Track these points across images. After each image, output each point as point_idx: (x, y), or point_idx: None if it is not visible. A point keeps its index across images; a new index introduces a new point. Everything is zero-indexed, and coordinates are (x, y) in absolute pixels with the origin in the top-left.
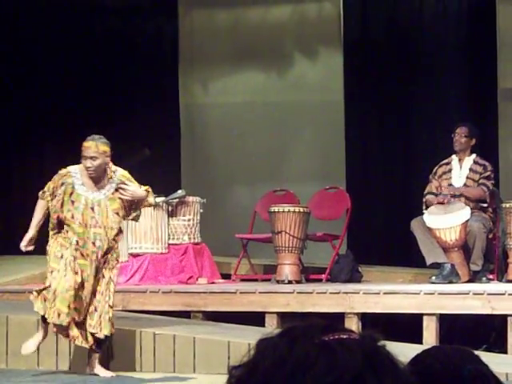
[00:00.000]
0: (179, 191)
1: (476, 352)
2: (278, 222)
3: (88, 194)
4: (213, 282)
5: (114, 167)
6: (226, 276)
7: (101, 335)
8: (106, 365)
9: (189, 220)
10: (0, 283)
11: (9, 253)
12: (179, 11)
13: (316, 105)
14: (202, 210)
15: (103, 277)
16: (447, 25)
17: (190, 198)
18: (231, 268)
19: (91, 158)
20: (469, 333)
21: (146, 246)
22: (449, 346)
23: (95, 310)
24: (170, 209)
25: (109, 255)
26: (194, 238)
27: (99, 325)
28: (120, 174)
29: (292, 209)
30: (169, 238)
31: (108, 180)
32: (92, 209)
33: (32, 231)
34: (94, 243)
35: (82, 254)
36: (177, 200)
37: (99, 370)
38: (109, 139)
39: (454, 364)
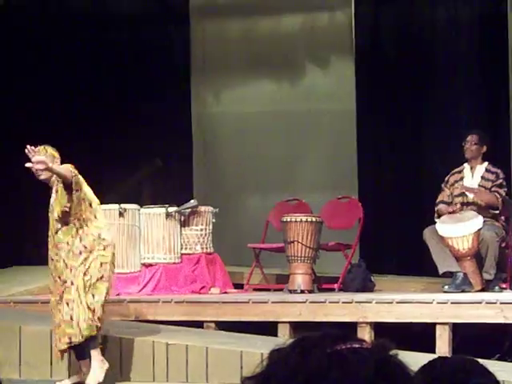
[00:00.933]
0: (191, 201)
1: (489, 361)
2: (291, 232)
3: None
4: (225, 292)
5: None
6: (239, 286)
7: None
8: (118, 374)
9: (201, 230)
10: (13, 293)
11: (21, 263)
12: (191, 21)
13: (328, 114)
14: (214, 220)
15: (72, 284)
16: (458, 33)
17: (203, 208)
18: (244, 278)
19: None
20: (482, 342)
21: (158, 256)
22: (455, 356)
23: (71, 318)
24: (182, 219)
25: (71, 260)
26: (207, 248)
27: (79, 332)
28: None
29: (304, 218)
30: (181, 248)
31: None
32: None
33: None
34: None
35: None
36: (189, 210)
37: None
38: (121, 149)
39: (460, 378)
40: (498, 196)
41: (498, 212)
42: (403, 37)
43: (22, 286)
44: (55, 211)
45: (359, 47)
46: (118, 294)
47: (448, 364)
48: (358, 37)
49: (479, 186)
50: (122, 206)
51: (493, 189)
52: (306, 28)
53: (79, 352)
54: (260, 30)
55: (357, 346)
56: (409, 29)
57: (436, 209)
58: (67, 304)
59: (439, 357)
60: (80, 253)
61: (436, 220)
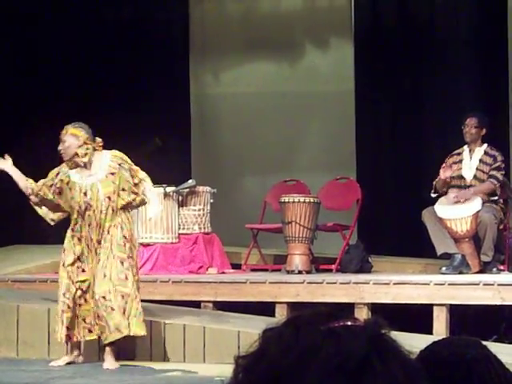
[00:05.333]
0: (189, 181)
1: (486, 342)
2: (289, 212)
3: (81, 180)
4: (223, 272)
5: (104, 152)
6: (237, 266)
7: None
8: (116, 353)
9: (199, 210)
10: (11, 272)
11: (20, 242)
12: (190, 0)
13: (327, 95)
14: (212, 200)
15: (103, 276)
16: (458, 14)
17: (201, 188)
18: (241, 258)
19: (62, 141)
20: (479, 323)
21: (156, 236)
22: (457, 336)
23: (124, 312)
24: (180, 199)
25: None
26: (205, 228)
27: (128, 326)
28: (112, 155)
29: (302, 199)
30: (179, 228)
31: (97, 163)
32: (85, 193)
33: (12, 168)
34: (89, 225)
35: (79, 239)
36: (187, 190)
37: (106, 362)
38: (119, 129)
39: (459, 350)
40: (495, 181)
41: (497, 198)
42: (403, 17)
43: (20, 265)
44: (113, 197)
45: (359, 27)
46: None
47: (449, 340)
48: (358, 18)
49: (477, 169)
50: None
51: (490, 172)
52: (305, 9)
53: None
54: (259, 10)
55: (350, 323)
56: (408, 9)
57: (434, 183)
58: (122, 297)
59: (443, 337)
60: (124, 244)
61: (432, 195)
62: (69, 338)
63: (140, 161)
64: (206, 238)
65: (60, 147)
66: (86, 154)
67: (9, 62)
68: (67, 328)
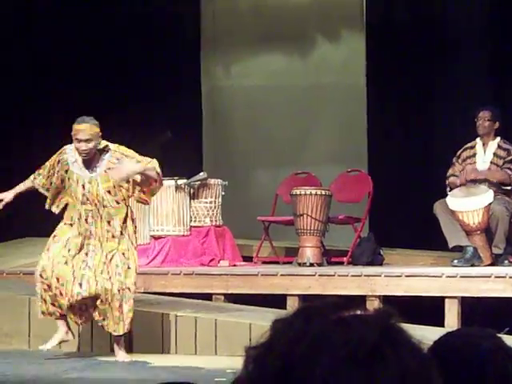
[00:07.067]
0: (201, 174)
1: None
2: (300, 205)
3: (80, 171)
4: (234, 265)
5: (104, 143)
6: (248, 258)
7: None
8: (127, 347)
9: (211, 202)
10: (22, 265)
11: (32, 235)
12: None
13: (338, 87)
14: (223, 193)
15: (106, 271)
16: (471, 6)
17: (212, 181)
18: (253, 250)
19: (86, 140)
20: (490, 316)
21: (167, 229)
22: (471, 327)
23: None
24: (191, 191)
25: (112, 243)
26: (216, 221)
27: (115, 324)
28: (112, 149)
29: (314, 191)
30: (191, 221)
31: (100, 157)
32: (83, 186)
33: (10, 194)
34: (86, 220)
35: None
36: (199, 182)
37: (119, 354)
38: (131, 123)
39: (474, 341)
40: (510, 172)
41: (510, 188)
42: (414, 10)
43: (31, 258)
44: (113, 191)
45: (370, 20)
46: None
47: (463, 331)
48: (369, 10)
49: (491, 163)
50: None
51: (504, 165)
52: (316, 1)
53: None
54: (270, 3)
55: (360, 313)
56: (421, 2)
57: (447, 182)
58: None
59: (456, 329)
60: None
61: (448, 193)
62: (49, 314)
63: (152, 154)
64: (218, 230)
65: (84, 148)
66: (104, 149)
67: (15, 58)
68: (52, 305)
